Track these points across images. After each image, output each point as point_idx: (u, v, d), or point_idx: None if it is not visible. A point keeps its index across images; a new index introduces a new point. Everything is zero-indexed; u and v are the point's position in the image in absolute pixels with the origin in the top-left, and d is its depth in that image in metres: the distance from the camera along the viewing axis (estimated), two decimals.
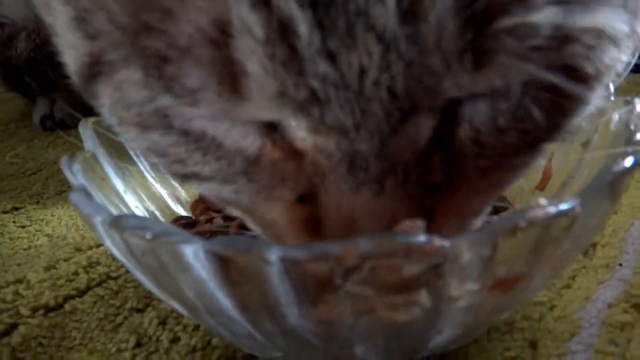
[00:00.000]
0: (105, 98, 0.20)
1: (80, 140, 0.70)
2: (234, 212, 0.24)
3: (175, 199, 0.38)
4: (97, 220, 0.22)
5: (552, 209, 0.18)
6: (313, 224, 0.20)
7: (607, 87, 0.30)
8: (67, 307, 0.35)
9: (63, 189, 0.54)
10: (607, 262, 0.35)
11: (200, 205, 0.36)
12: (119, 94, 0.19)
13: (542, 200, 0.19)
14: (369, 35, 0.15)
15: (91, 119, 0.33)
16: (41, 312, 0.34)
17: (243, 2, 0.15)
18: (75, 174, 0.26)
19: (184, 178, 0.22)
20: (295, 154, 0.19)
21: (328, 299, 0.19)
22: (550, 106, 0.18)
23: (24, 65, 0.63)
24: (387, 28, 0.14)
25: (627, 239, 0.38)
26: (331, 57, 0.15)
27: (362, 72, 0.15)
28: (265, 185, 0.20)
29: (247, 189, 0.20)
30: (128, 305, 0.35)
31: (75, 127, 0.68)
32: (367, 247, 0.17)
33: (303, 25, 0.15)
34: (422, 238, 0.17)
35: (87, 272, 0.38)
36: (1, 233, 0.46)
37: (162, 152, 0.20)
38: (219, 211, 0.35)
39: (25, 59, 0.63)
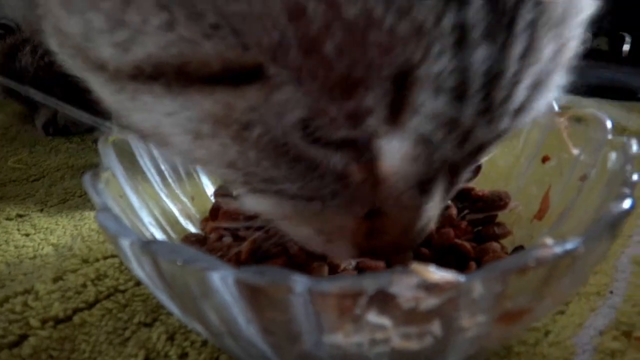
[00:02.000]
0: (207, 103, 0.19)
1: (82, 148, 0.70)
2: (279, 225, 0.25)
3: (186, 216, 0.39)
4: (125, 243, 0.23)
5: (558, 249, 0.19)
6: (372, 236, 0.23)
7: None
8: (76, 319, 0.35)
9: (67, 197, 0.54)
10: (598, 289, 0.37)
11: (210, 223, 0.37)
12: (248, 113, 0.18)
13: (548, 240, 0.20)
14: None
15: (111, 137, 0.33)
16: (51, 324, 0.35)
17: (440, 60, 0.17)
18: (100, 193, 0.26)
19: (253, 190, 0.22)
20: (374, 178, 0.21)
21: (347, 327, 0.20)
22: None
23: (30, 81, 0.63)
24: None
25: (617, 266, 0.39)
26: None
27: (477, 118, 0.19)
28: (344, 204, 0.22)
29: (327, 205, 0.22)
30: (136, 320, 0.35)
31: (78, 134, 0.69)
32: (388, 282, 0.18)
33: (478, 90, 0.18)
34: (440, 274, 0.18)
35: (95, 285, 0.38)
36: (6, 241, 0.46)
37: (248, 171, 0.21)
38: (228, 229, 0.36)
39: (31, 75, 0.62)
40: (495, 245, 0.34)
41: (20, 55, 0.63)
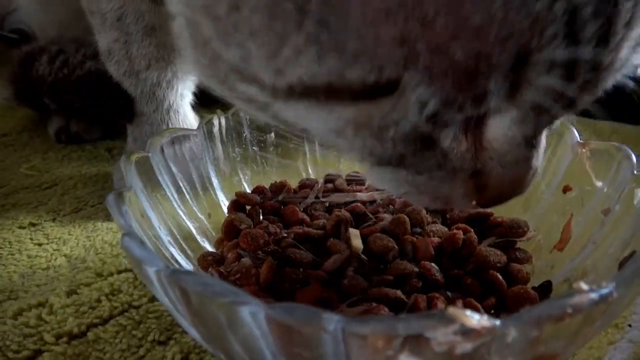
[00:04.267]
0: (348, 113, 0.22)
1: (95, 156, 0.70)
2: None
3: (202, 234, 0.39)
4: (152, 270, 0.22)
5: (594, 295, 0.19)
6: (479, 190, 0.25)
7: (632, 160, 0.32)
8: (90, 335, 0.35)
9: (79, 206, 0.54)
10: (617, 322, 0.37)
11: (227, 243, 0.37)
12: (386, 118, 0.22)
13: (583, 285, 0.20)
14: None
15: (134, 156, 0.33)
16: (65, 339, 0.35)
17: (553, 42, 0.19)
18: (124, 216, 0.26)
19: (384, 165, 0.25)
20: (478, 143, 0.24)
21: None
22: None
23: (47, 90, 0.63)
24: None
25: (635, 299, 0.39)
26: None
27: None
28: (451, 168, 0.25)
29: (439, 173, 0.25)
30: (150, 337, 0.35)
31: (91, 141, 0.69)
32: (424, 327, 0.18)
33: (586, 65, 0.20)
34: (477, 320, 0.18)
35: (110, 300, 0.38)
36: (19, 250, 0.46)
37: (382, 153, 0.24)
38: (245, 250, 0.36)
39: (49, 84, 0.62)
40: (517, 267, 0.34)
41: (37, 64, 0.63)
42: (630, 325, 0.37)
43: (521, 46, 0.19)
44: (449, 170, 0.25)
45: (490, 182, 0.25)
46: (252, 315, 0.20)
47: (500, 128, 0.23)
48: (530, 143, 0.24)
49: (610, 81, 0.22)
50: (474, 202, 0.26)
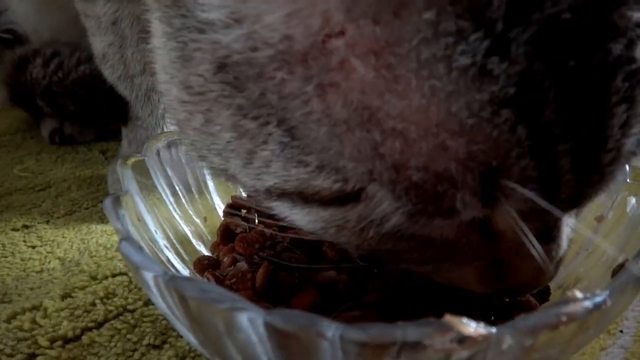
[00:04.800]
0: (326, 215, 0.23)
1: (89, 158, 0.70)
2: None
3: (198, 237, 0.39)
4: (150, 275, 0.23)
5: (588, 304, 0.20)
6: (498, 280, 0.25)
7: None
8: (84, 339, 0.35)
9: (73, 209, 0.54)
10: (608, 328, 0.37)
11: (222, 247, 0.37)
12: (362, 221, 0.22)
13: (577, 293, 0.20)
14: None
15: (130, 159, 0.33)
16: (59, 343, 0.34)
17: (521, 161, 0.18)
18: (121, 220, 0.26)
19: (378, 259, 0.26)
20: (491, 235, 0.23)
21: None
22: None
23: (41, 93, 0.63)
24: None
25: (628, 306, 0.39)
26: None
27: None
28: (462, 259, 0.24)
29: (446, 264, 0.24)
30: (145, 341, 0.35)
31: (85, 143, 0.69)
32: (421, 334, 0.18)
33: (568, 174, 0.19)
34: (474, 327, 0.18)
35: (104, 304, 0.38)
36: (12, 253, 0.46)
37: (372, 250, 0.24)
38: (241, 254, 0.36)
39: (43, 88, 0.62)
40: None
41: (31, 67, 0.63)
42: (621, 331, 0.37)
43: (486, 166, 0.18)
44: (460, 260, 0.24)
45: (510, 272, 0.24)
46: (250, 322, 0.20)
47: (506, 222, 0.21)
48: (547, 236, 0.23)
49: (623, 161, 0.20)
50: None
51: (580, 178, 0.19)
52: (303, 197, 0.22)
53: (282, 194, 0.23)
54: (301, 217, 0.24)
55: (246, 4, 0.19)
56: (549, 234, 0.23)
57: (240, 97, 0.21)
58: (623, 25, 0.17)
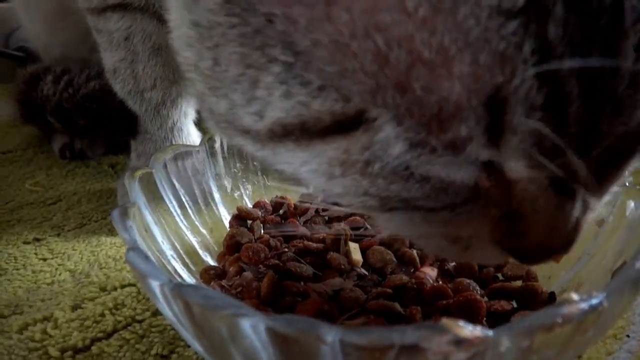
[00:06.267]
0: (331, 151, 0.22)
1: (98, 172, 0.71)
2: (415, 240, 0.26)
3: (205, 248, 0.39)
4: (156, 283, 0.23)
5: (584, 305, 0.20)
6: (513, 235, 0.23)
7: None
8: (94, 349, 0.36)
9: (83, 222, 0.55)
10: (615, 332, 0.37)
11: (229, 257, 0.38)
12: (366, 152, 0.21)
13: (573, 295, 0.20)
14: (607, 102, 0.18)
15: (138, 172, 0.34)
16: (69, 353, 0.35)
17: (525, 82, 0.17)
18: (129, 230, 0.27)
19: (392, 210, 0.23)
20: (505, 181, 0.22)
21: None
22: None
23: (52, 109, 0.64)
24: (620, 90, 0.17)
25: (634, 309, 0.39)
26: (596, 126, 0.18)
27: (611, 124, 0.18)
28: (476, 207, 0.22)
29: (460, 214, 0.23)
30: (153, 351, 0.36)
31: (95, 158, 0.70)
32: (419, 337, 0.18)
33: (576, 101, 0.17)
34: (470, 330, 0.18)
35: (113, 314, 0.39)
36: (24, 265, 0.47)
37: (380, 193, 0.22)
38: (247, 263, 0.36)
39: (54, 104, 0.63)
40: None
41: (42, 84, 0.64)
42: (628, 336, 0.37)
43: (492, 88, 0.18)
44: (474, 205, 0.22)
45: (528, 227, 0.22)
46: (253, 328, 0.20)
47: (517, 168, 0.21)
48: (564, 189, 0.21)
49: None
50: (505, 256, 0.23)
51: (590, 108, 0.18)
52: (305, 131, 0.22)
53: (284, 133, 0.22)
54: (304, 162, 0.23)
55: None
56: (565, 186, 0.21)
57: (246, 27, 0.21)
58: None
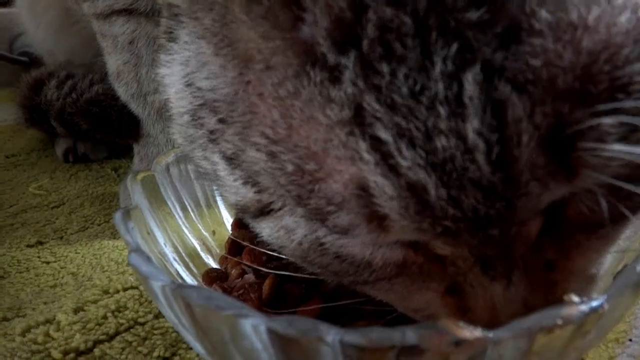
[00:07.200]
0: (267, 229, 0.26)
1: (102, 175, 0.71)
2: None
3: (206, 250, 0.39)
4: (157, 285, 0.23)
5: (584, 307, 0.20)
6: (463, 310, 0.23)
7: None
8: (96, 352, 0.36)
9: (86, 225, 0.55)
10: (617, 336, 0.37)
11: (231, 260, 0.38)
12: (283, 231, 0.25)
13: (573, 297, 0.20)
14: (471, 186, 0.19)
15: (140, 175, 0.34)
16: (72, 355, 0.35)
17: (376, 172, 0.19)
18: (131, 232, 0.27)
19: (342, 282, 0.26)
20: (437, 256, 0.23)
21: None
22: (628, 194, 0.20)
23: (55, 114, 0.65)
24: (482, 179, 0.18)
25: (637, 313, 0.39)
26: (455, 201, 0.19)
27: (476, 210, 0.19)
28: (416, 281, 0.24)
29: (400, 285, 0.24)
30: (155, 354, 0.36)
31: (98, 161, 0.71)
32: (419, 338, 0.18)
33: (432, 185, 0.19)
34: (470, 331, 0.18)
35: (116, 317, 0.39)
36: (27, 268, 0.47)
37: (320, 266, 0.25)
38: (249, 266, 0.36)
39: (58, 109, 0.64)
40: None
41: (46, 89, 0.65)
42: (631, 340, 0.37)
43: (356, 183, 0.20)
44: (410, 279, 0.24)
45: (470, 303, 0.23)
46: (254, 328, 0.20)
47: (440, 246, 0.22)
48: (491, 271, 0.22)
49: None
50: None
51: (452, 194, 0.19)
52: (248, 212, 0.25)
53: (245, 211, 0.26)
54: (265, 233, 0.26)
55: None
56: (492, 266, 0.22)
57: (202, 134, 0.25)
58: None
